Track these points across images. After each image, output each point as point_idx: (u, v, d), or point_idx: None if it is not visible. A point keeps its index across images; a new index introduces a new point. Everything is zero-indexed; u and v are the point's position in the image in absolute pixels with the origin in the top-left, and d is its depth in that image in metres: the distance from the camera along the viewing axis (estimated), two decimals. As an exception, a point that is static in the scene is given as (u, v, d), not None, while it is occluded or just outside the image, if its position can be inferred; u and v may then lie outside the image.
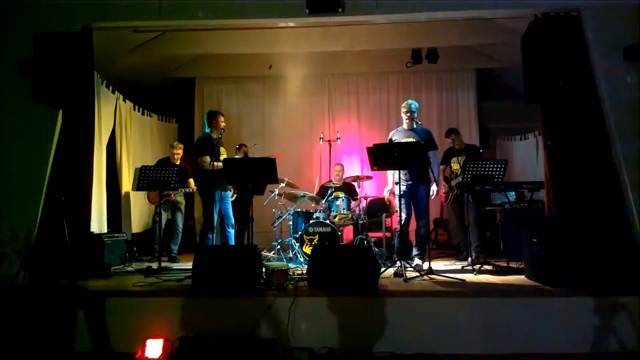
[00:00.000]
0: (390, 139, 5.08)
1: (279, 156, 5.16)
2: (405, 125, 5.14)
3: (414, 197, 5.01)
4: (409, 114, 5.07)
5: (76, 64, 4.75)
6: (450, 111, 7.93)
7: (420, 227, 4.98)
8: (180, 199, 6.30)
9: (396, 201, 5.02)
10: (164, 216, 5.98)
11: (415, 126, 5.10)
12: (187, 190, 6.13)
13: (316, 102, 8.09)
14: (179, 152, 6.28)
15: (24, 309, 3.78)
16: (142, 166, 5.15)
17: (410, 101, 5.14)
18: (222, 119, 5.42)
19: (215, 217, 5.30)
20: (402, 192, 4.89)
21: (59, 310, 3.80)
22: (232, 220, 5.46)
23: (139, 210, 6.69)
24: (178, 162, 6.24)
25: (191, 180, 6.17)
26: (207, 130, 5.40)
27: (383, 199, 6.19)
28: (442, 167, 5.86)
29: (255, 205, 5.11)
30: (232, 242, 5.52)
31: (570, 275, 3.83)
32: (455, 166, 5.80)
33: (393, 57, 7.40)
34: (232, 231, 5.47)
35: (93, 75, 5.13)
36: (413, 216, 5.10)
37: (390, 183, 5.28)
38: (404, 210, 4.96)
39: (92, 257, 4.75)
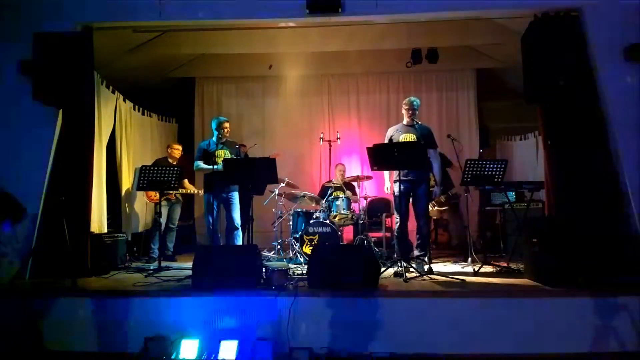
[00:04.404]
0: (391, 138, 5.08)
1: (278, 156, 5.17)
2: (405, 122, 5.14)
3: (414, 196, 5.00)
4: (410, 112, 5.06)
5: (76, 64, 4.73)
6: (450, 111, 7.92)
7: (421, 226, 4.97)
8: (179, 196, 6.34)
9: (394, 201, 5.02)
10: (164, 215, 6.01)
11: (415, 123, 5.10)
12: (185, 191, 6.17)
13: (316, 102, 8.08)
14: (176, 153, 6.31)
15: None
16: (142, 166, 5.17)
17: (412, 98, 5.12)
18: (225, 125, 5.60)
19: (211, 221, 5.42)
20: (400, 192, 4.89)
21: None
22: (237, 223, 5.47)
23: (139, 210, 6.68)
24: (175, 162, 6.26)
25: (185, 181, 6.27)
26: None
27: (383, 199, 6.19)
28: None
29: (255, 205, 5.12)
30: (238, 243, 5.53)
31: (570, 275, 3.84)
32: None
33: (393, 57, 7.40)
34: (238, 233, 5.47)
35: (93, 75, 5.12)
36: (412, 216, 5.09)
37: (387, 182, 5.29)
38: (400, 210, 4.96)
39: (92, 257, 4.75)
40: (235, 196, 5.52)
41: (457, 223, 5.87)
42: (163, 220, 5.91)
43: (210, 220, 5.42)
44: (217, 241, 5.49)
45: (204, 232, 7.39)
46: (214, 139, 5.54)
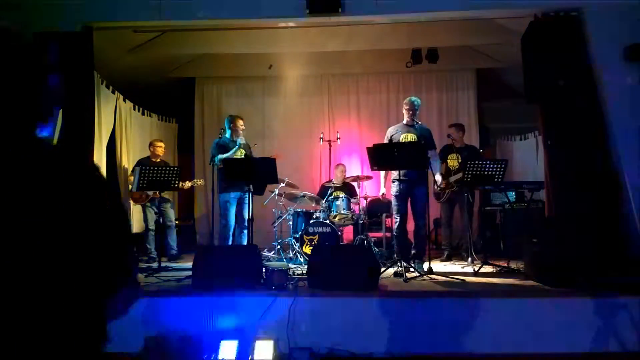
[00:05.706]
0: (391, 138, 5.08)
1: (279, 157, 5.17)
2: (405, 122, 5.15)
3: (412, 197, 5.01)
4: (411, 112, 5.07)
5: (76, 64, 4.74)
6: (450, 111, 7.92)
7: (419, 228, 4.98)
8: (167, 195, 6.22)
9: (392, 201, 5.04)
10: (152, 215, 6.05)
11: (415, 123, 5.11)
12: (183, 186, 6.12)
13: (316, 102, 8.08)
14: (159, 150, 6.23)
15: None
16: (142, 167, 5.17)
17: (412, 98, 5.14)
18: (239, 122, 5.64)
19: (231, 221, 5.44)
20: (398, 192, 4.91)
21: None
22: (247, 222, 5.47)
23: (139, 210, 6.67)
24: (158, 160, 6.19)
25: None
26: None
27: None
28: None
29: (255, 205, 5.12)
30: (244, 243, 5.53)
31: (570, 275, 3.83)
32: (453, 163, 5.80)
33: (393, 57, 7.39)
34: (246, 232, 5.49)
35: (93, 75, 5.12)
36: (410, 216, 5.10)
37: (383, 187, 5.36)
38: (398, 210, 4.97)
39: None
40: (249, 195, 5.54)
41: (462, 219, 5.87)
42: (152, 219, 5.99)
43: (224, 222, 5.43)
44: (227, 242, 5.51)
45: (206, 232, 7.43)
46: (228, 136, 5.57)
